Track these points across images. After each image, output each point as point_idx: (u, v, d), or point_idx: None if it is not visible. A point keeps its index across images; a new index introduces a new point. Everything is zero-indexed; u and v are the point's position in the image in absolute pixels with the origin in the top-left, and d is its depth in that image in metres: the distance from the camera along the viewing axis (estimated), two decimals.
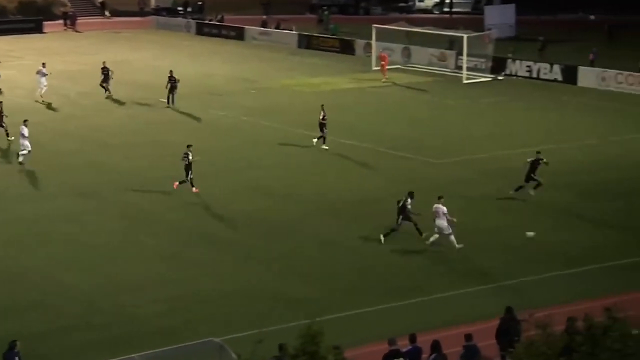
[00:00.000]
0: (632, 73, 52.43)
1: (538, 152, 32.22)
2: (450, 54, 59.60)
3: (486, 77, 55.98)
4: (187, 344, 20.16)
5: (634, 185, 34.43)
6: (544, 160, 31.88)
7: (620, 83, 52.40)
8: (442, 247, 27.59)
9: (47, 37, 73.53)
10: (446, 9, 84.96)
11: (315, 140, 38.99)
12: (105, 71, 49.61)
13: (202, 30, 75.68)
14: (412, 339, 19.35)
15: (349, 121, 41.82)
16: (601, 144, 40.42)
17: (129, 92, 50.02)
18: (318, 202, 32.38)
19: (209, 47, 68.47)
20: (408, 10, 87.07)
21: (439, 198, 27.77)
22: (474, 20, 70.32)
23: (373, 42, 60.29)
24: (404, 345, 19.16)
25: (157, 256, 27.50)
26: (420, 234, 28.11)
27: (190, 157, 32.64)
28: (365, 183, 34.72)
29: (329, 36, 69.63)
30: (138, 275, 26.13)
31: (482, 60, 57.31)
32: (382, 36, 60.24)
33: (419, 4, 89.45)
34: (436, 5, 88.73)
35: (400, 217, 28.11)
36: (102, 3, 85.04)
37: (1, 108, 40.52)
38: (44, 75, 48.14)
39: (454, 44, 59.21)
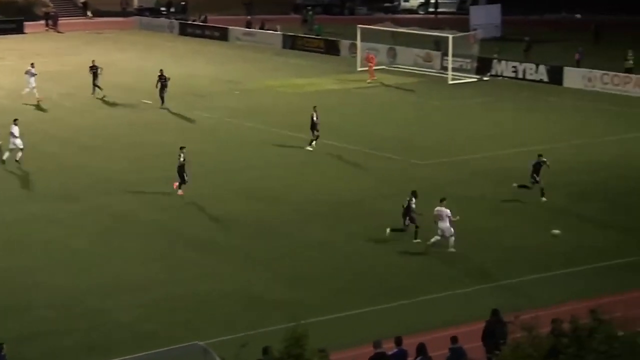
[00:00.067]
0: (617, 73, 52.31)
1: (540, 155, 32.04)
2: (436, 54, 59.35)
3: (472, 78, 55.75)
4: (170, 347, 19.96)
5: (621, 185, 34.34)
6: (547, 162, 31.67)
7: (606, 84, 52.28)
8: (442, 248, 27.40)
9: (28, 38, 73.01)
10: (431, 9, 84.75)
11: (309, 146, 38.66)
12: (94, 69, 49.30)
13: (185, 31, 75.21)
14: (398, 341, 19.24)
15: (334, 122, 41.58)
16: (586, 144, 40.25)
17: (111, 93, 49.59)
18: (304, 204, 32.20)
19: (192, 48, 68.12)
20: (393, 11, 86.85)
21: (441, 200, 27.61)
22: (459, 21, 70.09)
23: (358, 42, 59.98)
24: (389, 348, 19.07)
25: (140, 259, 27.31)
26: (415, 237, 27.98)
27: (182, 159, 32.48)
28: (351, 184, 34.55)
29: (313, 37, 69.28)
30: (121, 278, 25.90)
31: (468, 60, 57.10)
32: (367, 36, 59.96)
33: (404, 4, 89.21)
34: (421, 5, 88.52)
35: (407, 218, 28.04)
36: (84, 3, 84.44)
37: None
38: (33, 75, 47.85)
39: (439, 45, 58.93)
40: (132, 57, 63.29)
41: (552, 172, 32.18)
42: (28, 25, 75.63)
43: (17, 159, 36.37)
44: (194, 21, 77.90)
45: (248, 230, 29.67)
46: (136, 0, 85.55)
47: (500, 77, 56.21)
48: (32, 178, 35.42)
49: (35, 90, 47.65)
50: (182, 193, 32.53)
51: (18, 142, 36.36)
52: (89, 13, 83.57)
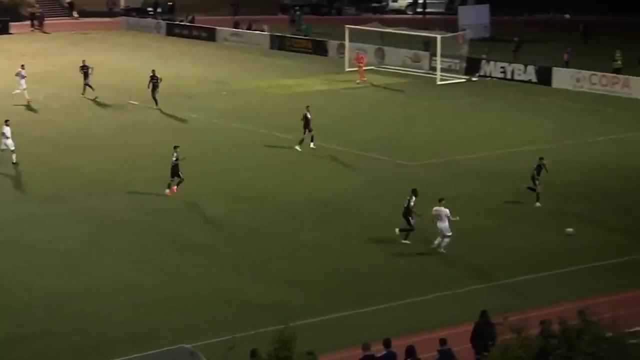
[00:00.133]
0: (605, 74, 52.27)
1: (541, 158, 31.90)
2: (424, 54, 59.19)
3: (460, 78, 55.60)
4: (157, 350, 19.98)
5: (613, 185, 34.30)
6: (546, 165, 31.56)
7: (594, 84, 52.23)
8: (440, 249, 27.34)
9: (14, 39, 72.42)
10: (420, 10, 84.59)
11: (298, 146, 38.48)
12: (85, 69, 49.07)
13: (172, 31, 74.84)
14: (387, 344, 19.17)
15: (323, 123, 41.32)
16: (577, 144, 40.18)
17: (98, 94, 49.12)
18: (293, 205, 32.06)
19: (179, 48, 67.80)
20: (381, 11, 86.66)
21: (440, 200, 27.46)
22: (447, 21, 70.02)
23: (346, 43, 59.77)
24: (378, 350, 19.01)
25: (126, 261, 27.15)
26: (405, 237, 27.87)
27: (175, 158, 32.41)
28: (340, 185, 34.41)
29: (301, 37, 69.03)
30: (106, 280, 25.76)
31: (456, 61, 56.97)
32: (355, 37, 59.77)
33: (392, 4, 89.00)
34: (409, 5, 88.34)
35: (410, 219, 27.88)
36: (70, 3, 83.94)
37: None
38: (23, 77, 47.58)
39: (429, 45, 58.74)
40: (119, 58, 62.91)
41: (544, 172, 32.09)
42: (14, 26, 75.10)
43: (14, 161, 36.27)
44: (181, 21, 77.51)
45: (236, 232, 29.55)
46: (123, 1, 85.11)
47: (489, 78, 56.08)
48: (19, 179, 35.22)
49: (25, 92, 47.34)
50: (169, 193, 32.51)
51: (10, 142, 36.33)
52: (75, 13, 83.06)
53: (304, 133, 38.56)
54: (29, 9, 79.40)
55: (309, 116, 38.58)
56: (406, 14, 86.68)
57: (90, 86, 48.90)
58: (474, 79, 55.81)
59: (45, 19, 77.39)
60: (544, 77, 54.01)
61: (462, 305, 23.69)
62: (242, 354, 16.66)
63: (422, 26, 64.49)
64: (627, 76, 51.55)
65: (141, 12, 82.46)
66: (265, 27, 71.28)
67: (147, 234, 29.31)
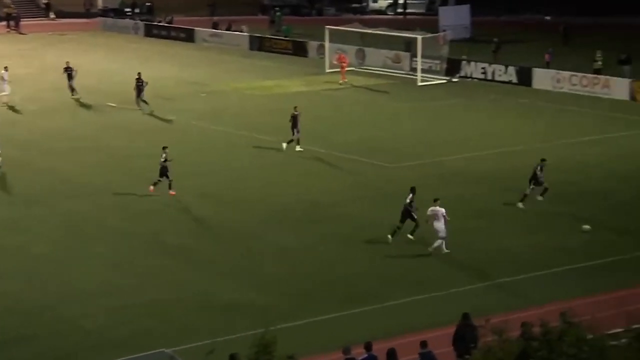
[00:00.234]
0: (586, 75, 52.23)
1: (543, 160, 31.80)
2: (405, 55, 58.99)
3: (441, 79, 55.41)
4: (136, 355, 19.83)
5: (596, 186, 34.20)
6: (538, 167, 31.40)
7: (575, 85, 52.19)
8: (436, 250, 27.17)
9: None
10: (400, 10, 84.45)
11: (287, 146, 38.30)
12: (69, 70, 48.73)
13: (151, 32, 74.33)
14: (368, 347, 19.07)
15: (304, 125, 40.91)
16: (559, 145, 40.05)
17: (80, 96, 48.75)
18: (274, 208, 31.84)
19: (158, 49, 67.40)
20: (361, 11, 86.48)
21: (435, 200, 27.28)
22: (428, 21, 69.86)
23: (326, 43, 59.47)
24: (359, 353, 18.90)
25: (104, 265, 26.87)
26: (391, 235, 27.74)
27: (163, 159, 32.33)
28: (322, 187, 34.19)
29: (281, 38, 68.65)
30: (85, 284, 25.50)
31: (437, 62, 56.79)
32: (336, 37, 59.52)
33: (372, 5, 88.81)
34: (390, 6, 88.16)
35: (414, 215, 27.73)
36: (46, 4, 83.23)
37: None
38: (5, 80, 47.37)
39: (410, 46, 58.50)
40: (96, 59, 62.34)
41: (527, 175, 31.93)
42: None
43: None
44: (159, 22, 76.95)
45: (218, 235, 29.33)
46: (100, 1, 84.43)
47: (470, 79, 55.94)
48: None
49: (3, 94, 46.90)
50: (152, 190, 32.49)
51: None
52: (51, 14, 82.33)
53: (293, 134, 38.27)
54: (5, 10, 78.56)
55: (297, 116, 38.33)
56: (386, 14, 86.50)
57: (73, 88, 48.37)
58: (454, 79, 55.65)
59: (22, 20, 76.62)
60: (525, 77, 53.94)
61: (445, 307, 23.53)
62: (221, 358, 16.49)
63: (403, 27, 64.32)
64: (607, 77, 51.53)
65: (119, 13, 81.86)
66: (244, 27, 70.86)
67: (126, 237, 29.03)
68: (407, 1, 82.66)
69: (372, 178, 35.21)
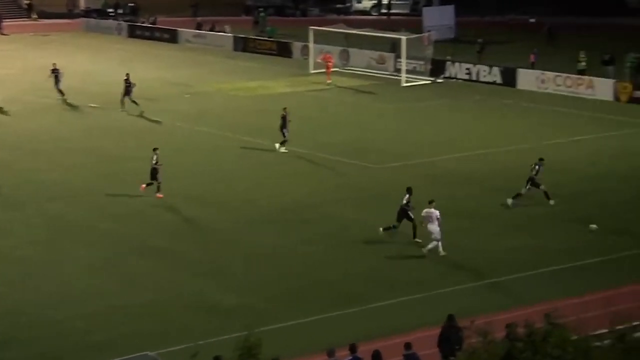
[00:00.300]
0: (570, 75, 52.30)
1: (541, 159, 31.84)
2: (389, 56, 58.92)
3: (426, 80, 55.36)
4: (120, 358, 19.68)
5: (581, 186, 34.24)
6: (533, 167, 31.44)
7: (559, 85, 52.26)
8: (434, 252, 27.08)
9: None
10: (384, 11, 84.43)
11: (280, 147, 38.23)
12: (56, 72, 48.44)
13: (134, 33, 73.98)
14: (352, 349, 18.96)
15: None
16: (543, 146, 40.02)
17: (57, 96, 48.38)
18: (258, 209, 31.68)
19: (141, 50, 67.10)
20: (346, 12, 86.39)
21: (430, 202, 27.14)
22: (412, 22, 69.81)
23: (310, 44, 59.33)
24: (343, 356, 18.82)
25: (87, 267, 26.69)
26: (383, 228, 27.74)
27: (154, 161, 32.16)
28: (305, 188, 34.06)
29: (265, 39, 68.45)
30: (68, 287, 25.31)
31: (422, 62, 56.75)
32: (320, 38, 59.36)
33: (356, 5, 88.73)
34: (374, 6, 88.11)
35: (410, 214, 27.64)
36: (28, 5, 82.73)
37: None
38: None
39: (395, 46, 58.43)
40: (79, 60, 61.94)
41: (512, 175, 31.91)
42: None
43: None
44: (143, 23, 76.60)
45: (202, 236, 29.17)
46: (83, 2, 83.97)
47: (454, 79, 55.92)
48: None
49: None
50: (161, 196, 32.24)
51: None
52: (33, 15, 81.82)
53: (284, 135, 38.14)
54: None
55: (287, 117, 38.19)
56: (371, 15, 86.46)
57: (61, 91, 48.11)
58: (439, 80, 55.62)
59: (3, 20, 76.10)
60: (509, 78, 53.97)
61: (431, 308, 23.46)
62: None
63: (388, 27, 64.25)
64: (591, 77, 51.61)
65: (102, 14, 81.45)
66: (226, 27, 70.62)
67: (109, 239, 28.83)
68: (392, 2, 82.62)
69: (357, 179, 35.12)
